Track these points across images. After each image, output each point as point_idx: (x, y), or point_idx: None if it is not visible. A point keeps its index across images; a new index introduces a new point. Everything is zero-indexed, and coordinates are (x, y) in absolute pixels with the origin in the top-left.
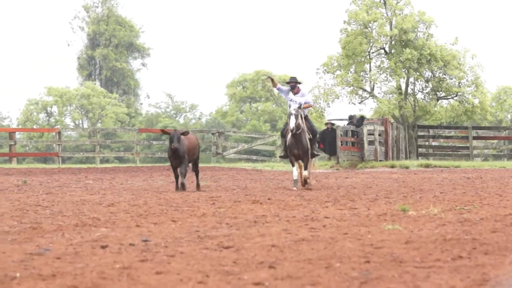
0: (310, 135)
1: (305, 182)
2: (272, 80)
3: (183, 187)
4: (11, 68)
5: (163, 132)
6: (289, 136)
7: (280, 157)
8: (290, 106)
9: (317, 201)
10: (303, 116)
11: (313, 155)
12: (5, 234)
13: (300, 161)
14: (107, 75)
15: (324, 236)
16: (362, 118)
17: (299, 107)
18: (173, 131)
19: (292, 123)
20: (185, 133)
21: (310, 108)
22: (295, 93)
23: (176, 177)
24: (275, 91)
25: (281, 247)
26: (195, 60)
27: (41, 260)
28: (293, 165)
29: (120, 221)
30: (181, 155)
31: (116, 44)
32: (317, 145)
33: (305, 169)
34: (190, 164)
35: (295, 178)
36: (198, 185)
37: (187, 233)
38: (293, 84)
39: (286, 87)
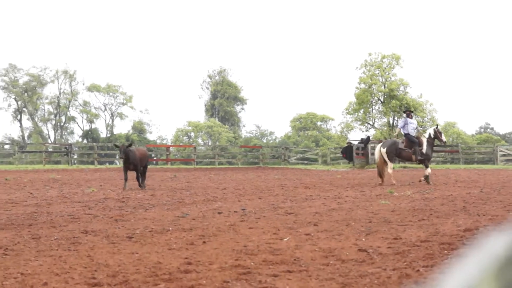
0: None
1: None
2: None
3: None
4: (168, 110)
5: (116, 145)
6: (425, 145)
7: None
8: (407, 126)
9: (341, 187)
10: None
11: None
12: (163, 205)
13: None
14: (222, 115)
15: (345, 207)
16: (368, 138)
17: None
18: (121, 145)
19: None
20: (130, 145)
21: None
22: (410, 118)
23: (126, 179)
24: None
25: (321, 213)
26: (272, 104)
27: (183, 220)
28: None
29: (229, 198)
30: (134, 162)
31: (227, 97)
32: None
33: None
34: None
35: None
36: (142, 185)
37: (267, 205)
38: (408, 112)
39: (404, 117)
